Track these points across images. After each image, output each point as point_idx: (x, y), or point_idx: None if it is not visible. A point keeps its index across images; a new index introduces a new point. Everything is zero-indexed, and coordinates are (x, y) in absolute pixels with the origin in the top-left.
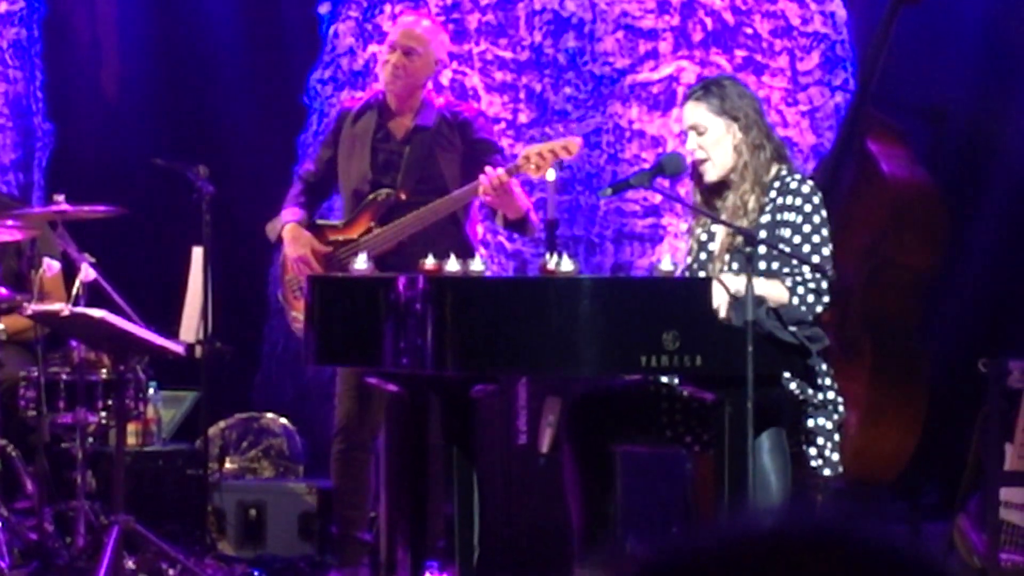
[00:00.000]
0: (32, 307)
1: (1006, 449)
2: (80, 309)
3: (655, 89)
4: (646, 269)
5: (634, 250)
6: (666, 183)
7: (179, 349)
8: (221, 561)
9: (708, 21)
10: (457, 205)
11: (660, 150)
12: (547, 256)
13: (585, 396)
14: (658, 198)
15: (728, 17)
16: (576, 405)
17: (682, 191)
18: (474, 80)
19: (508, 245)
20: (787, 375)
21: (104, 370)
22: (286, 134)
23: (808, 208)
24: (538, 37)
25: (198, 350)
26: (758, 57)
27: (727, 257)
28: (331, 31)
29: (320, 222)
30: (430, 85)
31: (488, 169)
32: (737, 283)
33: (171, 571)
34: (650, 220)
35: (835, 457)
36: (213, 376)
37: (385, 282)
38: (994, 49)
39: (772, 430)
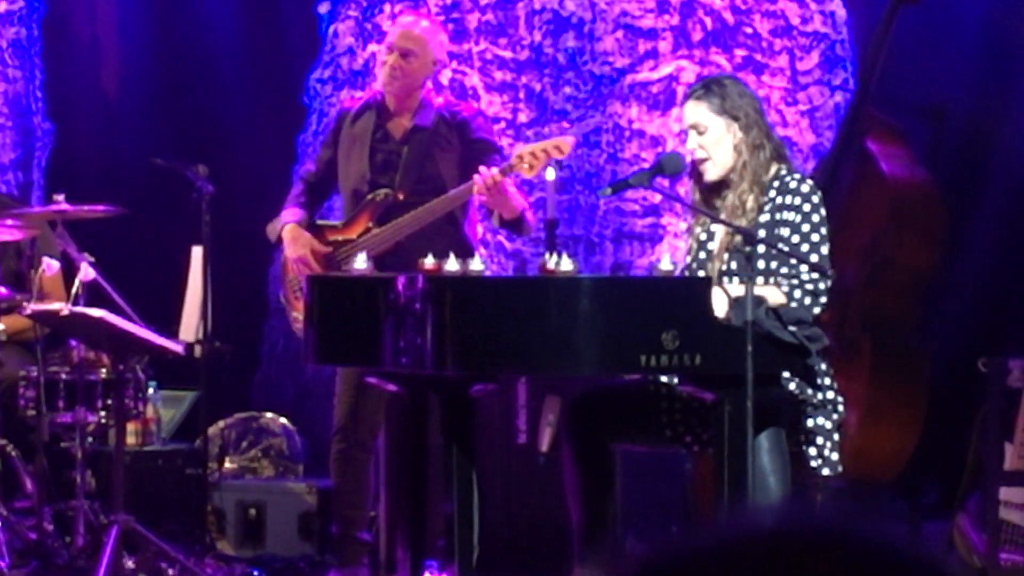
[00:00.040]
0: (32, 307)
1: (1006, 448)
2: (80, 309)
3: (655, 89)
4: (646, 269)
5: (634, 250)
6: (665, 183)
7: (179, 349)
8: (221, 561)
9: (708, 21)
10: (453, 205)
11: (660, 150)
12: (547, 256)
13: (585, 395)
14: (658, 198)
15: (728, 17)
16: (576, 404)
17: (681, 191)
18: (474, 80)
19: (508, 245)
20: (786, 375)
21: (104, 370)
22: (286, 134)
23: (807, 208)
24: (538, 37)
25: (198, 350)
26: (758, 57)
27: (726, 256)
28: (331, 30)
29: (320, 222)
30: (429, 85)
31: (482, 169)
32: (738, 291)
33: (171, 571)
34: (650, 220)
35: (834, 457)
36: (213, 376)
37: (385, 282)
38: (994, 48)
39: (771, 430)
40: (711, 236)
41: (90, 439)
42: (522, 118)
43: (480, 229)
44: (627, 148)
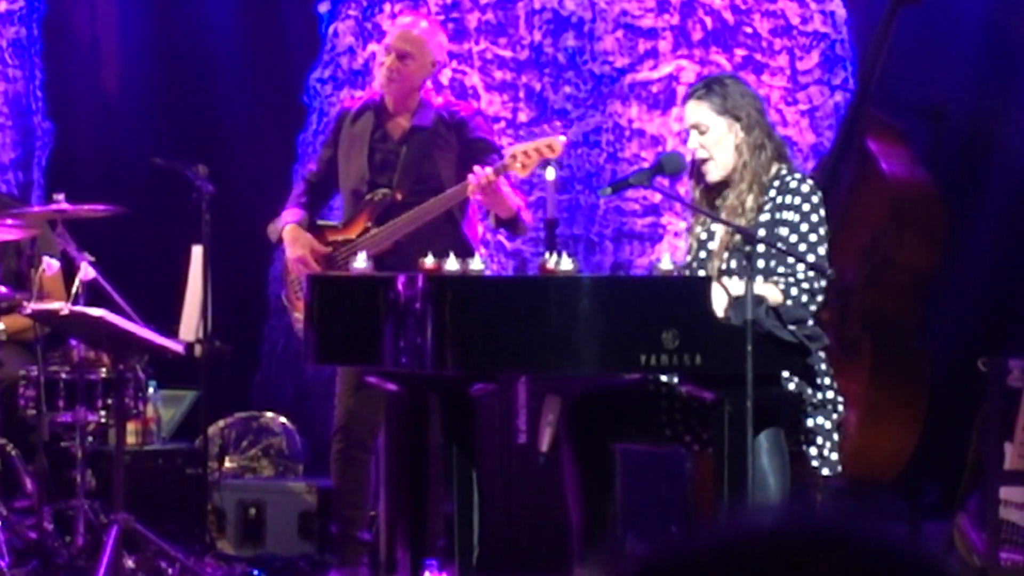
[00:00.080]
0: (32, 306)
1: (1006, 448)
2: (80, 308)
3: (655, 88)
4: (646, 268)
5: (634, 249)
6: (666, 182)
7: (179, 348)
8: (221, 560)
9: (708, 20)
10: (448, 205)
11: (660, 149)
12: (546, 255)
13: (584, 395)
14: (658, 197)
15: (728, 16)
16: (575, 404)
17: (681, 190)
18: (474, 79)
19: (508, 244)
20: (786, 374)
21: (104, 369)
22: (286, 133)
23: (806, 207)
24: (538, 36)
25: (198, 349)
26: (758, 56)
27: (726, 255)
28: (331, 30)
29: (320, 223)
30: (429, 84)
31: (476, 168)
32: (738, 288)
33: (170, 570)
34: (650, 219)
35: (834, 457)
36: (213, 375)
37: (385, 281)
38: (994, 48)
39: (770, 430)
40: (711, 235)
41: (90, 438)
42: (522, 118)
43: (480, 229)
44: (627, 147)
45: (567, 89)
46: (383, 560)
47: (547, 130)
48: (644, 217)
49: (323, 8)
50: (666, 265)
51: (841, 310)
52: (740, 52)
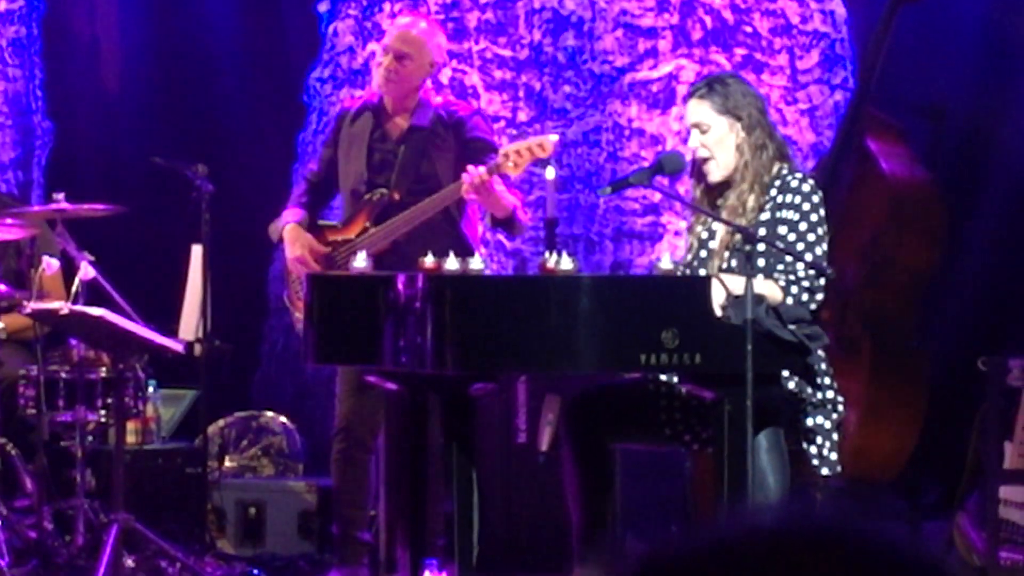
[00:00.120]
0: (31, 305)
1: (1005, 447)
2: (79, 307)
3: (654, 87)
4: (645, 267)
5: (633, 248)
6: (665, 181)
7: (178, 347)
8: (221, 560)
9: (707, 19)
10: (443, 204)
11: (659, 148)
12: (546, 254)
13: (584, 394)
14: (657, 196)
15: (727, 15)
16: (575, 403)
17: (681, 189)
18: (473, 78)
19: (507, 244)
20: (786, 374)
21: (103, 368)
22: (286, 133)
23: (806, 207)
24: (537, 35)
25: (197, 348)
26: (757, 55)
27: (726, 255)
28: (330, 29)
29: (321, 223)
30: (429, 84)
31: (470, 168)
32: (737, 283)
33: (170, 570)
34: (649, 218)
35: (833, 456)
36: (212, 374)
37: (385, 280)
38: (993, 47)
39: (769, 429)
40: (712, 235)
41: (90, 438)
42: (522, 117)
43: (480, 228)
44: (627, 147)
45: (567, 88)
46: (383, 560)
47: (547, 129)
48: (644, 216)
49: (323, 7)
50: (666, 264)
51: (841, 310)
52: (740, 51)
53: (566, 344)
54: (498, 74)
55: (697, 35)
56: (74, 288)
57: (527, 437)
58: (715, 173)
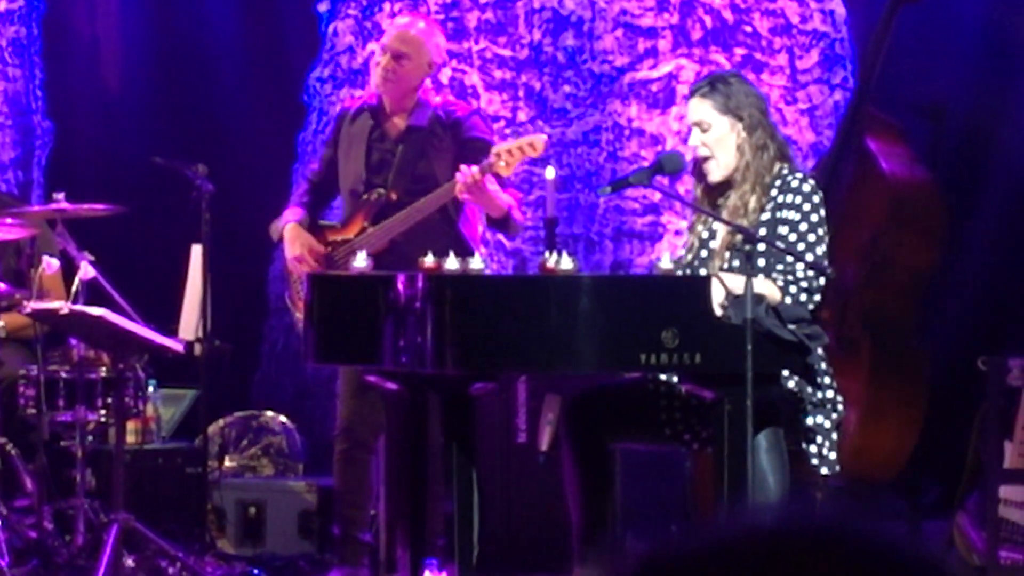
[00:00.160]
0: (31, 305)
1: (1005, 447)
2: (79, 307)
3: (654, 87)
4: (645, 267)
5: (633, 248)
6: (665, 181)
7: (178, 347)
8: (221, 559)
9: (707, 19)
10: (438, 204)
11: (659, 148)
12: (546, 254)
13: (584, 394)
14: (657, 196)
15: (727, 15)
16: (575, 403)
17: (681, 189)
18: (473, 78)
19: (507, 243)
20: (786, 373)
21: (103, 368)
22: (286, 133)
23: (807, 207)
24: (537, 35)
25: (197, 348)
26: (757, 55)
27: (727, 255)
28: (330, 29)
29: (321, 223)
30: (428, 84)
31: (463, 167)
32: (736, 282)
33: (170, 569)
34: (649, 218)
35: (832, 456)
36: (212, 374)
37: (385, 280)
38: (993, 47)
39: (769, 429)
40: (713, 234)
41: (90, 438)
42: (522, 116)
43: (480, 228)
44: (627, 146)
45: (567, 88)
46: (383, 559)
47: (546, 129)
48: (644, 216)
49: (323, 7)
50: (666, 264)
51: (841, 309)
52: (740, 51)
53: (566, 344)
54: (498, 74)
55: (697, 35)
56: (74, 288)
57: (527, 437)
58: (715, 173)
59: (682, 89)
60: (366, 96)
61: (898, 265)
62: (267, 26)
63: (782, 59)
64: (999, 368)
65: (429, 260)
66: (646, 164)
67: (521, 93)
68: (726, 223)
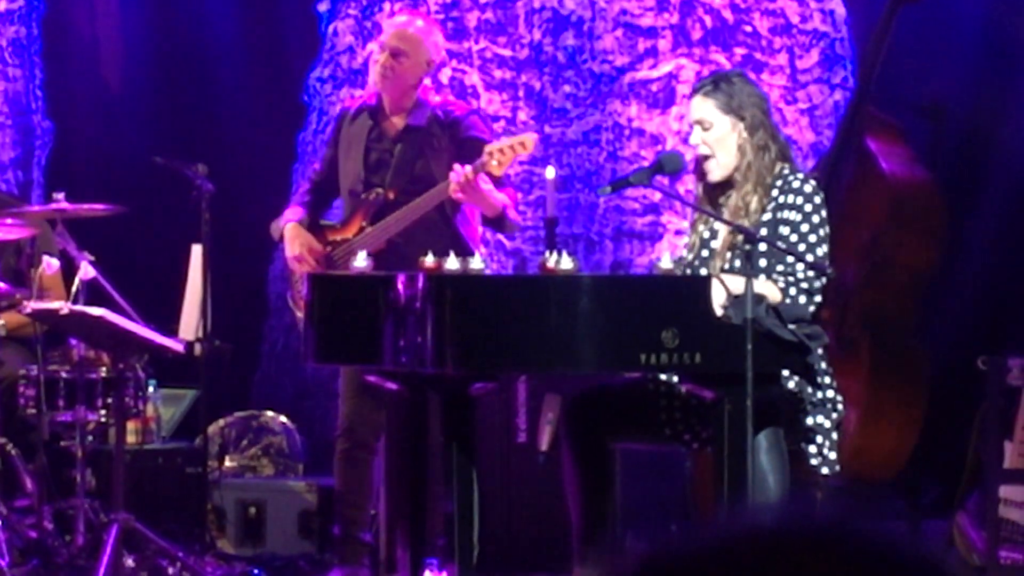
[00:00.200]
0: (31, 305)
1: (1005, 447)
2: (79, 307)
3: (654, 87)
4: (646, 267)
5: (633, 248)
6: (665, 181)
7: (178, 347)
8: (221, 559)
9: (707, 19)
10: (433, 203)
11: (659, 148)
12: (546, 254)
13: (584, 394)
14: (657, 196)
15: (727, 15)
16: (575, 403)
17: (682, 189)
18: (473, 78)
19: (507, 243)
20: (786, 373)
21: (104, 368)
22: (286, 132)
23: (808, 208)
24: (537, 35)
25: (197, 348)
26: (757, 55)
27: (728, 255)
28: (330, 29)
29: (321, 223)
30: (428, 83)
31: (456, 167)
32: (736, 282)
33: (171, 569)
34: (649, 218)
35: (832, 456)
36: (212, 374)
37: (385, 280)
38: (993, 47)
39: (769, 429)
40: (714, 234)
41: (90, 438)
42: (522, 116)
43: (481, 228)
44: (627, 146)
45: (567, 88)
46: (383, 559)
47: (546, 129)
48: (644, 216)
49: (323, 7)
50: (666, 264)
51: (841, 309)
52: (740, 51)
53: (566, 344)
54: (498, 74)
55: (697, 35)
56: (74, 288)
57: (527, 437)
58: (715, 172)
59: (682, 89)
60: (366, 96)
61: (898, 265)
62: (267, 26)
63: (782, 59)
64: (999, 368)
65: (429, 260)
66: (646, 164)
67: (521, 93)
68: (727, 223)
